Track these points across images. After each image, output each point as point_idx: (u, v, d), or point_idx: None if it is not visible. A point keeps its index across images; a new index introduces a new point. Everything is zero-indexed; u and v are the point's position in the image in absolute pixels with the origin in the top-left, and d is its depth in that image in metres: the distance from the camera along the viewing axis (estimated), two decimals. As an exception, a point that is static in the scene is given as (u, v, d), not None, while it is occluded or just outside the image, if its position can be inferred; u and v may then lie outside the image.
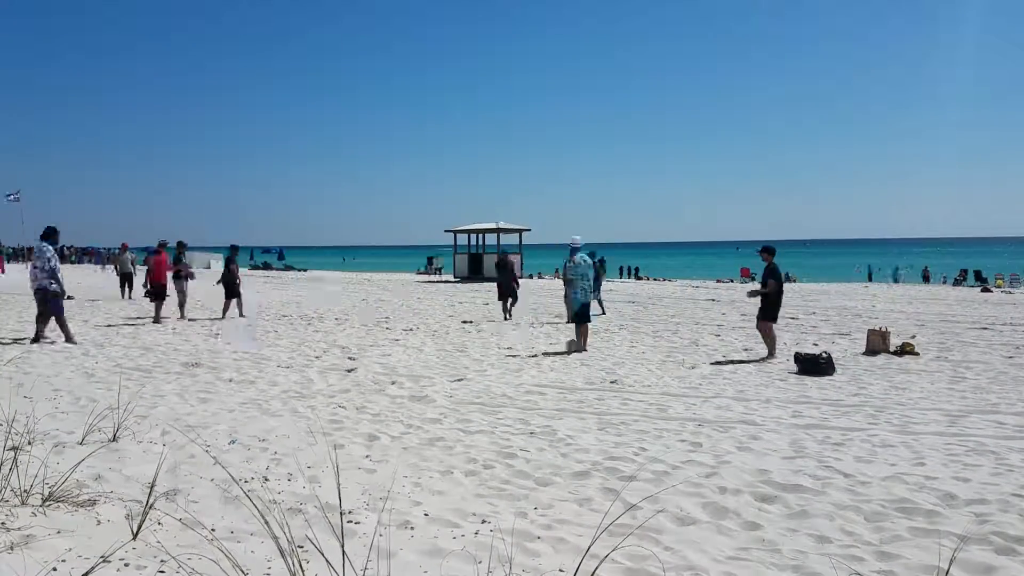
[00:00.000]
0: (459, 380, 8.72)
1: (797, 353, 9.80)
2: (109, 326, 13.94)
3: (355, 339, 12.46)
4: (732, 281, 35.28)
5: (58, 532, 3.69)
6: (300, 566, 3.10)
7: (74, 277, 27.39)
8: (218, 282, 15.90)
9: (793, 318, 16.18)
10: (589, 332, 11.42)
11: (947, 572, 3.31)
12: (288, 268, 49.51)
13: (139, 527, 3.73)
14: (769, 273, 10.68)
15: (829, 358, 9.35)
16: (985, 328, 14.12)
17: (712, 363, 10.15)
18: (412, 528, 4.06)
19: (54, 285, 10.97)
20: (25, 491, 4.02)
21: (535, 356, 10.68)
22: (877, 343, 10.91)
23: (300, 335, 12.93)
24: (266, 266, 51.46)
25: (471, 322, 15.25)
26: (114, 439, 5.56)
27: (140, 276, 18.66)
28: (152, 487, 4.10)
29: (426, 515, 4.25)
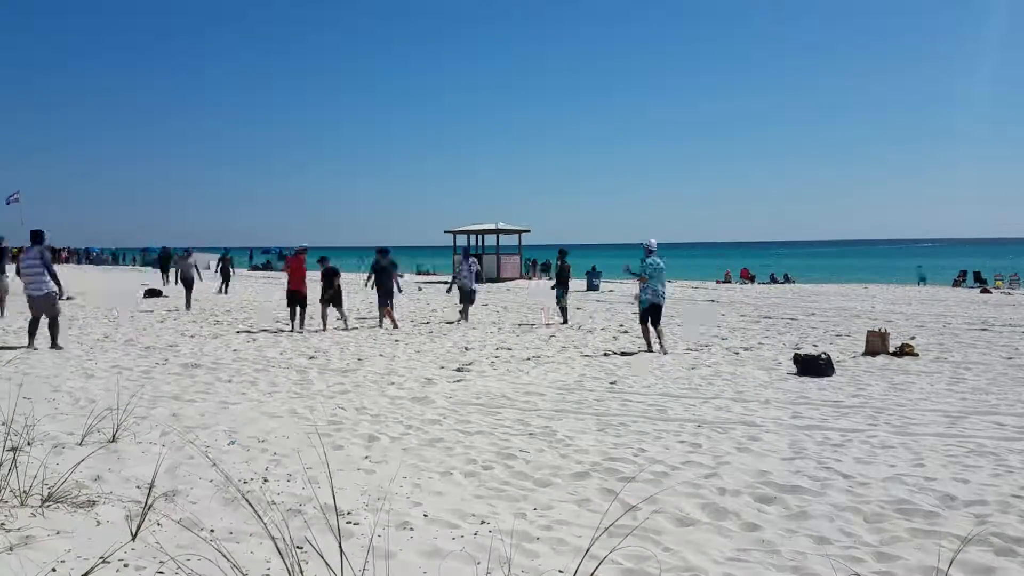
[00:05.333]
0: (459, 381, 8.72)
1: (796, 354, 9.80)
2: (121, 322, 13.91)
3: (353, 339, 12.46)
4: (731, 282, 35.27)
5: (57, 533, 3.69)
6: (299, 567, 3.10)
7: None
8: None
9: (792, 319, 16.19)
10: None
11: (946, 573, 3.32)
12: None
13: (138, 528, 3.73)
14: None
15: (828, 359, 9.35)
16: (984, 329, 14.12)
17: (711, 364, 10.15)
18: (411, 529, 4.06)
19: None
20: (24, 492, 4.02)
21: (537, 356, 10.68)
22: (876, 344, 10.91)
23: (300, 335, 12.93)
24: (266, 266, 51.43)
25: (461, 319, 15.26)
26: (113, 440, 5.56)
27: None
28: (151, 488, 4.10)
29: (425, 516, 4.25)
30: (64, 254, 61.38)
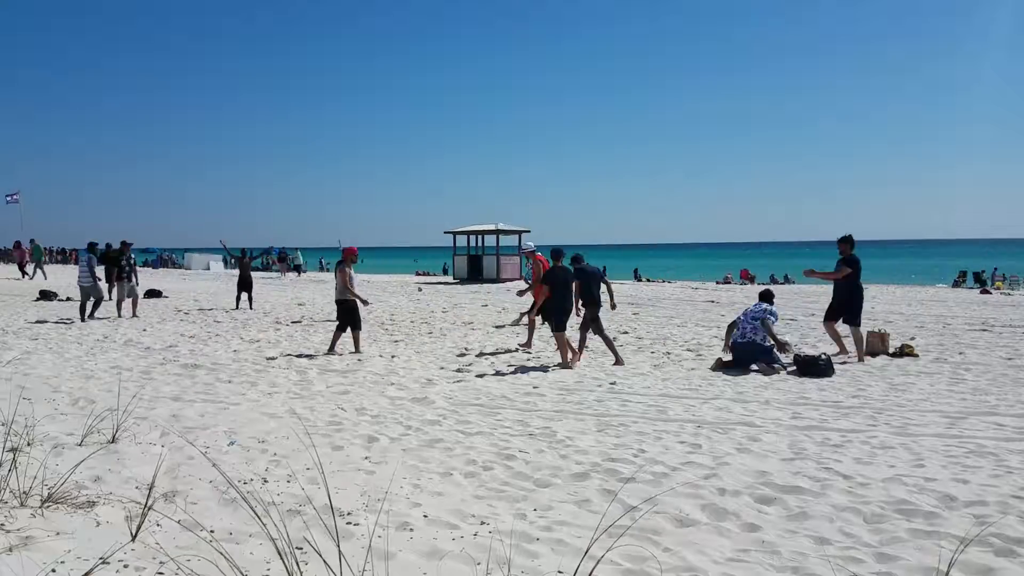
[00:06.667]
0: (459, 382, 8.72)
1: (796, 354, 9.80)
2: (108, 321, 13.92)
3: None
4: (730, 282, 35.28)
5: (57, 534, 3.69)
6: (299, 567, 3.10)
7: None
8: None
9: (792, 319, 16.18)
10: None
11: (946, 574, 3.32)
12: (288, 269, 49.51)
13: (138, 528, 3.73)
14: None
15: (828, 359, 9.35)
16: (984, 330, 14.12)
17: (712, 364, 10.14)
18: (411, 529, 4.06)
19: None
20: (24, 492, 4.02)
21: (537, 357, 10.68)
22: (876, 345, 10.90)
23: (301, 336, 12.93)
24: (266, 267, 51.43)
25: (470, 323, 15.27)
26: (113, 440, 5.56)
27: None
28: (151, 488, 4.11)
29: (425, 516, 4.26)
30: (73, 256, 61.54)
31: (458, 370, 9.52)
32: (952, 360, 10.35)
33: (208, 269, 47.23)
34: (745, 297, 23.65)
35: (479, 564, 3.60)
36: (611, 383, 8.70)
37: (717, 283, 34.54)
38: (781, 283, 34.46)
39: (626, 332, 13.93)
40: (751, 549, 3.88)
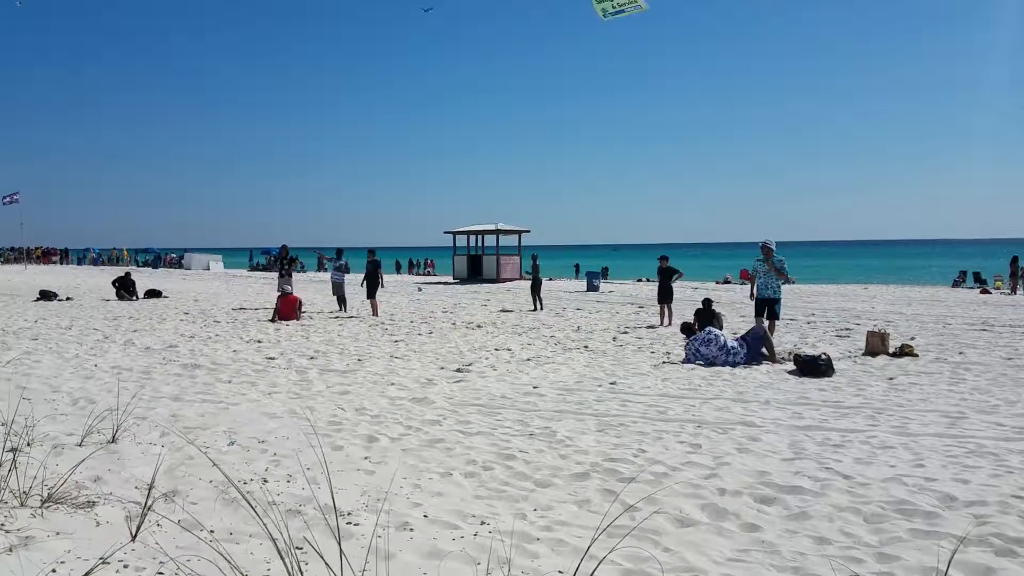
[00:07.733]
0: (459, 382, 8.71)
1: (796, 355, 9.80)
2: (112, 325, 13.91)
3: (353, 339, 12.46)
4: (730, 282, 35.28)
5: (57, 534, 3.69)
6: (299, 567, 3.10)
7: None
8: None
9: (792, 319, 16.19)
10: None
11: (946, 573, 3.32)
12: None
13: (138, 528, 3.73)
14: None
15: (828, 360, 9.35)
16: (984, 330, 14.12)
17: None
18: (411, 529, 4.06)
19: None
20: (24, 492, 4.02)
21: (537, 357, 10.68)
22: (876, 345, 10.91)
23: (302, 335, 12.93)
24: (266, 267, 51.45)
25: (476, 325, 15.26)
26: (113, 440, 5.55)
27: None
28: (151, 488, 4.10)
29: (425, 516, 4.25)
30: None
31: (458, 370, 9.52)
32: (952, 360, 10.35)
33: (208, 269, 47.33)
34: (745, 297, 23.65)
35: (479, 564, 3.59)
36: (611, 383, 8.70)
37: (717, 283, 34.51)
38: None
39: (626, 332, 13.94)
40: (751, 549, 3.87)
